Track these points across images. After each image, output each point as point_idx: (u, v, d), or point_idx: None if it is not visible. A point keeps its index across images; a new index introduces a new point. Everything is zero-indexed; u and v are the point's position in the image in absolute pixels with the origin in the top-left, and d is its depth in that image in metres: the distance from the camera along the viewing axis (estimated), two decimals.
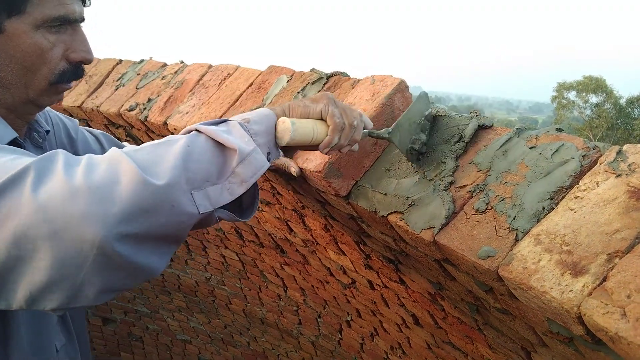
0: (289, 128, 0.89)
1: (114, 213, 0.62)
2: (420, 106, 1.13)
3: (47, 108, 1.16)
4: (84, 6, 0.97)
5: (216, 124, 0.80)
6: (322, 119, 0.95)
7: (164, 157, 0.70)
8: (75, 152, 1.17)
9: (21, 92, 0.92)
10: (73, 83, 1.00)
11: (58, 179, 0.62)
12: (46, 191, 0.61)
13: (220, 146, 0.76)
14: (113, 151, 0.69)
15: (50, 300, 0.64)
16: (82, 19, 0.95)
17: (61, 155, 0.67)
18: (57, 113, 1.21)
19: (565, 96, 34.30)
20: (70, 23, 0.92)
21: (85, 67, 2.31)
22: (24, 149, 0.98)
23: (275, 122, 0.90)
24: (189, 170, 0.71)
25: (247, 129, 0.82)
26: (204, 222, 0.78)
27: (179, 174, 0.69)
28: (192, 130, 0.78)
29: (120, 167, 0.66)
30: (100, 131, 1.31)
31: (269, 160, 0.86)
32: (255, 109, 1.05)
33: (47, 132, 1.09)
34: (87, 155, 0.69)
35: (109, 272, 0.64)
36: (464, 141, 1.09)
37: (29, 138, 1.03)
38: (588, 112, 33.90)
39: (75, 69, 0.96)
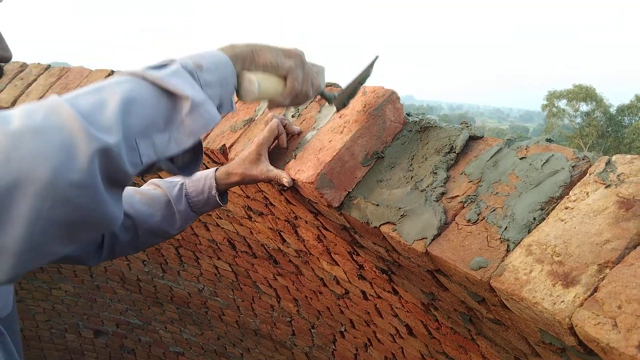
0: (254, 91, 0.87)
1: (61, 161, 0.56)
2: (367, 71, 1.17)
3: None
4: None
5: (161, 66, 0.74)
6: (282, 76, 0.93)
7: (106, 102, 0.64)
8: None
9: None
10: None
11: None
12: None
13: (168, 93, 0.71)
14: (51, 97, 0.63)
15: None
16: None
17: None
18: None
19: (556, 104, 34.67)
20: None
21: (77, 78, 2.31)
22: None
23: (232, 72, 0.84)
24: (132, 116, 0.66)
25: (197, 78, 0.76)
26: (145, 171, 0.73)
27: (122, 123, 0.64)
28: (136, 74, 0.71)
29: (60, 111, 0.59)
30: None
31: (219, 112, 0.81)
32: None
33: None
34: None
35: (67, 219, 0.59)
36: (455, 152, 1.10)
37: None
38: (578, 120, 34.27)
39: None
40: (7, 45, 0.91)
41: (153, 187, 1.27)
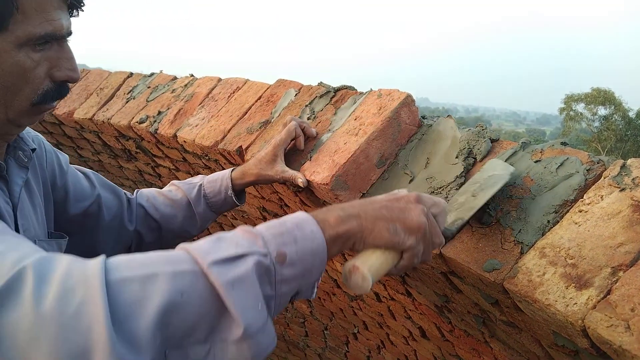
0: (366, 288, 0.71)
1: None
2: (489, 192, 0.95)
3: (41, 138, 1.11)
4: (71, 17, 0.89)
5: (234, 258, 0.61)
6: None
7: (146, 303, 0.55)
8: (65, 184, 1.13)
9: (1, 115, 0.84)
10: (56, 102, 0.92)
11: (25, 305, 0.52)
12: (9, 321, 0.51)
13: (222, 302, 0.58)
14: (93, 274, 0.55)
15: None
16: (69, 34, 0.88)
17: (31, 270, 0.54)
18: (50, 145, 1.15)
19: (574, 108, 34.25)
20: (57, 40, 0.85)
21: (97, 80, 2.35)
22: (7, 169, 0.92)
23: (321, 260, 0.68)
24: (170, 327, 0.55)
25: (274, 274, 0.63)
26: None
27: (155, 338, 0.54)
28: (200, 263, 0.59)
29: (93, 308, 0.52)
30: (92, 171, 1.25)
31: (292, 301, 0.68)
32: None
33: (33, 150, 1.01)
34: (64, 266, 0.56)
35: None
36: (474, 157, 1.10)
37: (14, 157, 0.95)
38: (596, 124, 33.81)
39: (59, 88, 0.88)
40: (77, 66, 0.90)
41: (175, 189, 1.31)
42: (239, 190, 1.31)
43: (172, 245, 1.25)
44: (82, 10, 0.91)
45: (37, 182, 1.04)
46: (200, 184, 1.29)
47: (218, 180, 1.28)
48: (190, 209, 1.28)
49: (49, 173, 1.10)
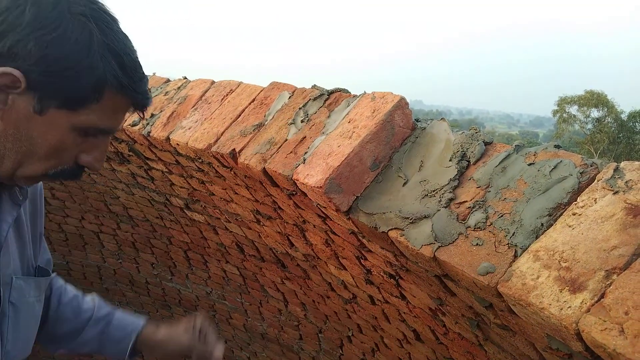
0: None
1: None
2: None
3: None
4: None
5: None
6: None
7: None
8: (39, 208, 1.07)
9: (9, 168, 0.81)
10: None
11: None
12: None
13: None
14: None
15: None
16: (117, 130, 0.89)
17: None
18: None
19: (567, 110, 34.45)
20: (105, 134, 0.86)
21: None
22: None
23: None
24: None
25: None
26: None
27: None
28: None
29: None
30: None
31: None
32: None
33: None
34: None
35: None
36: (467, 160, 1.10)
37: (9, 194, 0.90)
38: (589, 126, 34.02)
39: (75, 171, 0.87)
40: (104, 159, 0.89)
41: (91, 299, 1.26)
42: (138, 349, 1.26)
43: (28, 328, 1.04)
44: (142, 117, 0.92)
45: (27, 215, 0.99)
46: (114, 313, 1.25)
47: (129, 325, 1.25)
48: (84, 324, 1.21)
49: (39, 201, 1.05)
